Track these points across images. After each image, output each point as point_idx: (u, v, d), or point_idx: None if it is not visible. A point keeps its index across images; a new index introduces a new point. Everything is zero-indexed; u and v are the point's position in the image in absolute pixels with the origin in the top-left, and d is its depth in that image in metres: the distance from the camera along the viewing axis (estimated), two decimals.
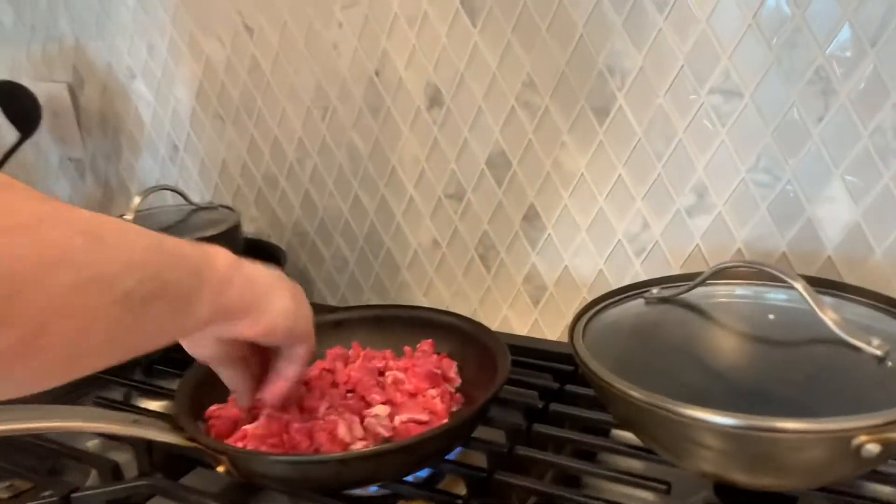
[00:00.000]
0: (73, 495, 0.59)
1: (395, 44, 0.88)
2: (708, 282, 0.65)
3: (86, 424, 0.53)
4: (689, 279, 0.66)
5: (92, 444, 0.76)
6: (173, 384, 0.82)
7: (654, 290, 0.66)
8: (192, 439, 0.56)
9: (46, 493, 0.60)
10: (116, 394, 0.82)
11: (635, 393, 0.52)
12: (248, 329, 0.52)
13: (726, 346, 0.63)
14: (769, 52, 0.69)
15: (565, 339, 0.86)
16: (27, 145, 1.24)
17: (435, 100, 0.88)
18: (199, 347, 0.56)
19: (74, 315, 0.35)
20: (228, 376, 0.58)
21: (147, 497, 0.63)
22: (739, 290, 0.67)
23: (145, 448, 0.66)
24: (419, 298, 0.97)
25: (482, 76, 0.84)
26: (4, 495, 0.68)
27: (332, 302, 1.05)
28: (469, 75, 0.84)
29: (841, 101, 0.67)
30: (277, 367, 0.57)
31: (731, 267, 0.61)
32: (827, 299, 0.60)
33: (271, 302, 0.53)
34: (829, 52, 0.67)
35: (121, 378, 0.82)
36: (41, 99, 1.14)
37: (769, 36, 0.69)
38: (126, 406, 0.77)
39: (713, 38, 0.71)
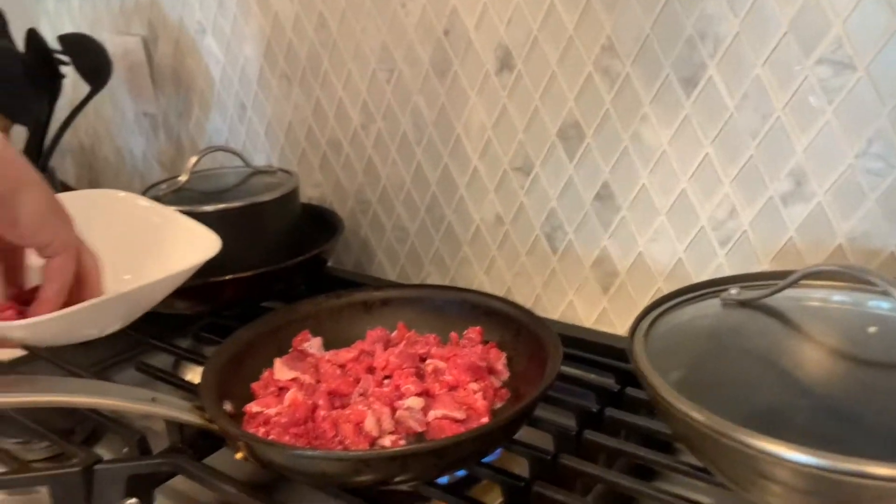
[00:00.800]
0: (96, 467, 0.57)
1: (465, 1, 0.81)
2: (799, 283, 0.56)
3: (103, 401, 0.50)
4: (777, 278, 0.58)
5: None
6: None
7: (734, 290, 0.58)
8: (210, 421, 0.52)
9: (72, 462, 0.59)
10: (162, 360, 0.80)
11: (697, 415, 0.44)
12: None
13: (815, 360, 0.55)
14: (892, 18, 0.59)
15: None
16: (105, 98, 1.25)
17: (505, 63, 0.80)
18: None
19: None
20: None
21: (169, 475, 0.60)
22: (837, 296, 0.58)
23: (177, 423, 0.63)
24: (480, 276, 0.91)
25: (557, 38, 0.76)
26: (42, 456, 0.68)
27: (391, 275, 1.00)
28: (543, 36, 0.77)
29: None
30: (41, 287, 0.52)
31: (825, 271, 0.52)
32: None
33: (18, 197, 0.48)
34: None
35: (168, 345, 0.80)
36: (117, 52, 1.14)
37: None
38: (168, 375, 0.74)
39: (824, 1, 0.61)
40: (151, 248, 0.66)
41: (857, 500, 0.41)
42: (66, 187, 1.17)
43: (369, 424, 0.54)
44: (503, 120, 0.83)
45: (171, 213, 0.70)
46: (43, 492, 0.62)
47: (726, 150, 0.69)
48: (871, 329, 0.56)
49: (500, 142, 0.84)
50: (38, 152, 1.02)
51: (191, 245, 0.64)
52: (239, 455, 0.52)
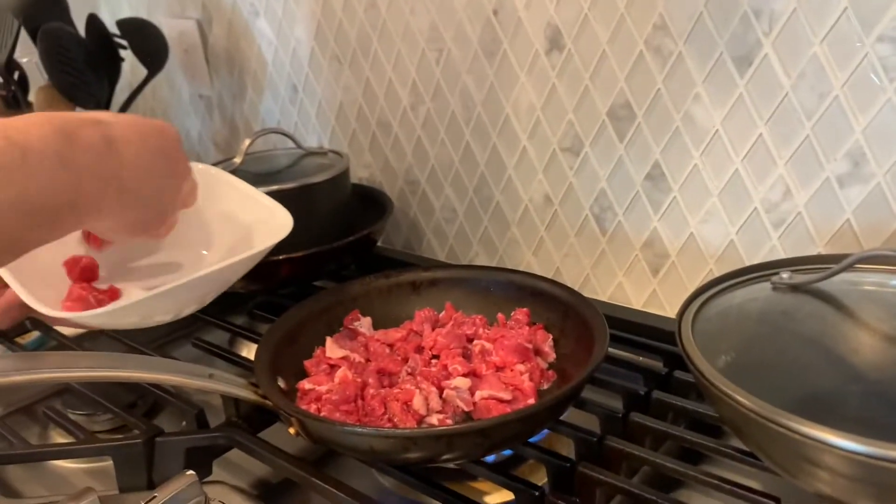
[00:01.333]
0: (157, 439, 0.60)
1: None
2: (855, 267, 0.55)
3: (163, 377, 0.53)
4: (834, 261, 0.56)
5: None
6: None
7: (785, 274, 0.57)
8: (264, 397, 0.54)
9: (134, 434, 0.61)
10: (217, 337, 0.83)
11: (744, 399, 0.44)
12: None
13: (868, 345, 0.54)
14: None
15: None
16: (162, 81, 1.28)
17: (555, 42, 0.80)
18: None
19: None
20: None
21: (226, 448, 0.62)
22: (894, 281, 0.57)
23: (233, 398, 0.66)
24: (528, 257, 0.92)
25: (608, 17, 0.75)
26: (104, 427, 0.71)
27: (440, 255, 1.01)
28: (594, 15, 0.76)
29: None
30: None
31: (881, 255, 0.51)
32: None
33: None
34: None
35: (223, 321, 0.83)
36: (173, 35, 1.16)
37: None
38: (222, 351, 0.77)
39: None
40: (229, 224, 0.66)
41: None
42: None
43: (417, 403, 0.55)
44: (553, 100, 0.82)
45: (249, 189, 0.69)
46: (108, 463, 0.66)
47: (781, 131, 0.68)
48: None
49: (550, 122, 0.83)
50: None
51: (266, 223, 0.64)
52: (292, 430, 0.54)
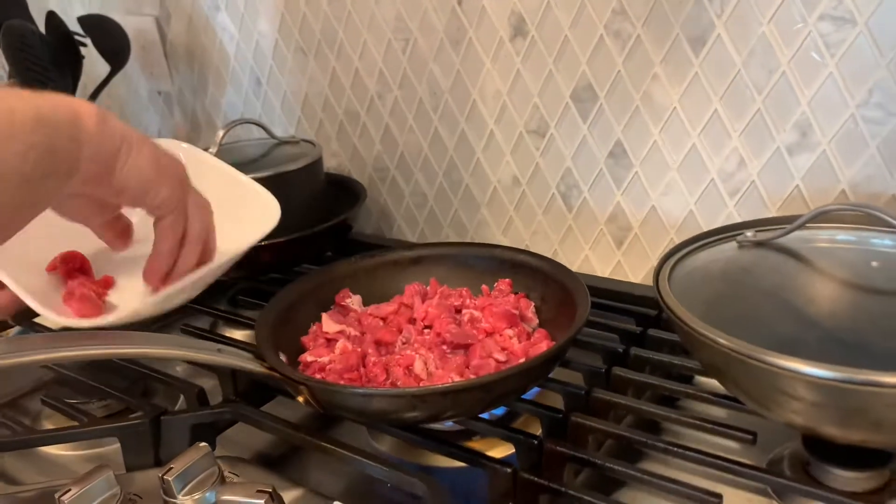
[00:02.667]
0: (163, 417, 0.62)
1: None
2: (808, 226, 0.61)
3: (173, 352, 0.55)
4: (788, 222, 0.62)
5: (181, 370, 0.79)
6: (256, 314, 0.85)
7: (749, 233, 0.62)
8: (273, 369, 0.57)
9: (138, 414, 0.63)
10: (202, 322, 0.85)
11: (723, 340, 0.49)
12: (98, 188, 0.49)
13: (824, 293, 0.60)
14: None
15: (649, 282, 0.84)
16: (118, 78, 1.27)
17: (519, 29, 0.84)
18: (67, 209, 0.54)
19: None
20: (98, 231, 0.58)
21: (230, 423, 0.65)
22: (841, 236, 0.63)
23: (230, 376, 0.68)
24: (498, 236, 0.96)
25: (570, 3, 0.79)
26: (101, 413, 0.72)
27: (411, 238, 1.04)
28: (556, 2, 0.80)
29: None
30: (153, 243, 0.55)
31: (834, 210, 0.56)
32: None
33: (124, 161, 0.48)
34: None
35: (207, 307, 0.85)
36: (130, 32, 1.16)
37: None
38: (211, 334, 0.79)
39: None
40: (222, 211, 0.64)
41: (870, 410, 0.46)
42: None
43: (418, 367, 0.58)
44: (518, 85, 0.86)
45: (238, 175, 0.69)
46: (105, 448, 0.67)
47: (734, 105, 0.74)
48: (875, 264, 0.60)
49: (516, 106, 0.88)
50: None
51: (257, 210, 0.65)
52: (300, 398, 0.57)
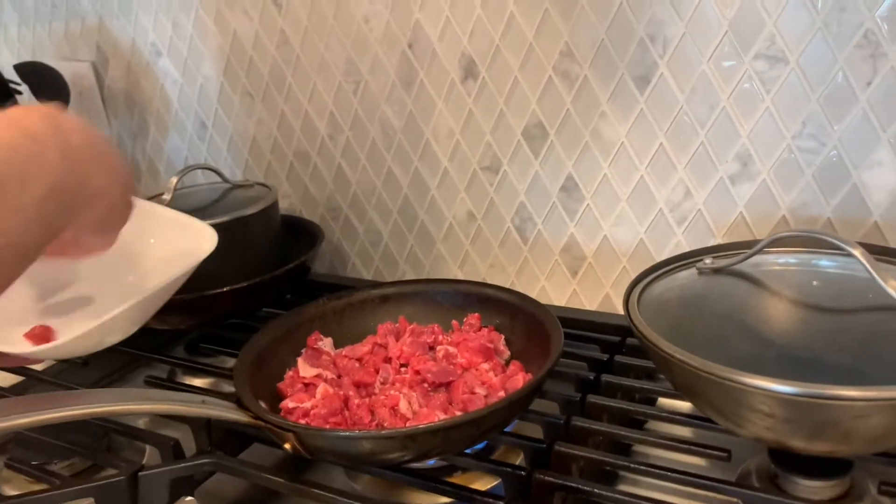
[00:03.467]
0: (140, 473, 0.60)
1: (428, 15, 0.87)
2: (762, 251, 0.65)
3: (157, 407, 0.54)
4: (746, 247, 0.66)
5: (143, 423, 0.77)
6: (216, 360, 0.84)
7: (708, 260, 0.66)
8: (258, 418, 0.56)
9: (112, 473, 0.61)
10: (160, 371, 0.83)
11: (698, 363, 0.52)
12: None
13: (777, 314, 0.64)
14: (816, 16, 0.68)
15: (604, 309, 0.87)
16: None
17: (470, 71, 0.87)
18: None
19: None
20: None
21: (209, 474, 0.64)
22: (788, 259, 0.67)
23: (204, 426, 0.67)
24: (454, 271, 0.98)
25: (518, 46, 0.83)
26: (67, 473, 0.70)
27: (366, 275, 1.05)
28: (505, 45, 0.84)
29: (891, 65, 0.67)
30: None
31: (790, 236, 0.61)
32: (882, 265, 0.60)
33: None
34: (878, 14, 0.66)
35: (164, 356, 0.83)
36: (66, 78, 1.14)
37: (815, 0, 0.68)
38: (173, 384, 0.77)
39: (758, 4, 0.70)
40: (150, 247, 0.66)
41: (839, 422, 0.49)
42: None
43: (403, 406, 0.59)
44: (470, 124, 0.89)
45: (164, 210, 0.70)
46: None
47: (679, 139, 0.78)
48: (815, 283, 0.65)
49: (469, 144, 0.90)
50: None
51: (188, 241, 0.65)
52: (287, 445, 0.56)
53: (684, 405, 0.68)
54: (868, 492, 0.58)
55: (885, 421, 0.49)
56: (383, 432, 0.55)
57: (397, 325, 0.73)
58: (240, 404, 0.58)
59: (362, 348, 0.69)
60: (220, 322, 0.88)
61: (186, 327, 0.87)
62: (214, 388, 0.81)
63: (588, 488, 0.54)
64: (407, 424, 0.58)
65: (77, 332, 0.54)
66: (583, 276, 0.90)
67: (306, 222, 1.00)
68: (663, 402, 0.71)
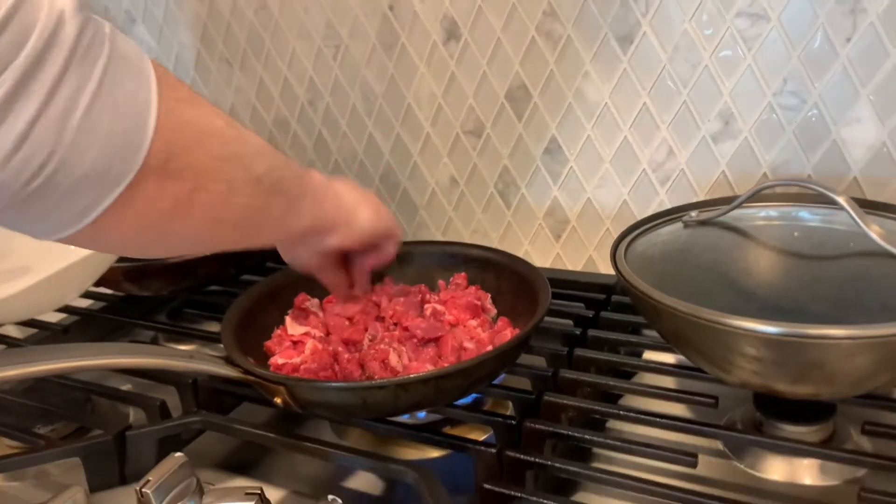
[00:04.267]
0: (128, 433, 0.60)
1: None
2: (743, 204, 0.66)
3: (146, 360, 0.53)
4: (727, 203, 0.67)
5: (126, 387, 0.76)
6: (200, 326, 0.83)
7: (693, 213, 0.67)
8: (248, 372, 0.56)
9: (98, 433, 0.61)
10: (143, 338, 0.82)
11: (684, 309, 0.53)
12: (342, 241, 0.58)
13: (759, 265, 0.65)
14: None
15: (588, 270, 0.87)
16: None
17: (452, 33, 0.86)
18: (300, 258, 0.62)
19: (221, 181, 0.42)
20: (328, 280, 0.66)
21: (198, 433, 0.63)
22: (770, 212, 0.68)
23: (191, 387, 0.66)
24: (437, 237, 0.98)
25: (501, 6, 0.82)
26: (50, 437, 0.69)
27: None
28: (487, 6, 0.83)
29: (869, 20, 0.68)
30: (364, 261, 0.65)
31: (777, 184, 0.61)
32: (864, 214, 0.61)
33: (357, 215, 0.59)
34: None
35: (147, 321, 0.82)
36: None
37: None
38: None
39: None
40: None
41: (826, 363, 0.50)
42: None
43: (393, 360, 0.59)
44: (453, 87, 0.89)
45: None
46: (52, 476, 0.64)
47: (662, 99, 0.79)
48: (796, 234, 0.66)
49: (451, 108, 0.90)
50: None
51: None
52: (278, 399, 0.56)
53: (669, 358, 0.69)
54: (850, 436, 0.60)
55: (869, 360, 0.50)
56: (375, 382, 0.55)
57: (384, 285, 0.72)
58: (228, 361, 0.58)
59: (354, 307, 0.68)
60: (200, 288, 0.87)
61: (168, 293, 0.86)
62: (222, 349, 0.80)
63: (578, 434, 0.55)
64: (397, 376, 0.58)
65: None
66: (566, 240, 0.90)
67: None
68: (649, 355, 0.72)
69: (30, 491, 0.64)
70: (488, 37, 0.85)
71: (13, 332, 0.82)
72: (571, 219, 0.89)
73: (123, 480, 0.60)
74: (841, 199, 0.56)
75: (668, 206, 0.82)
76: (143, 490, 0.51)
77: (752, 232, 0.67)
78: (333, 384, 0.54)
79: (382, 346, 0.60)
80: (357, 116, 0.96)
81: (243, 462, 0.65)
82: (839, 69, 0.70)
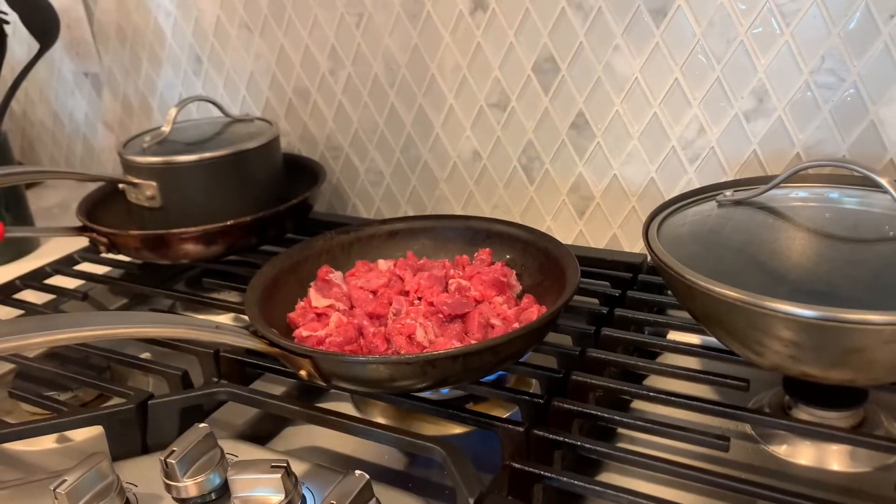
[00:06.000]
0: (150, 402, 0.59)
1: None
2: (780, 185, 0.64)
3: (171, 331, 0.52)
4: (759, 183, 0.65)
5: (144, 355, 0.76)
6: (218, 294, 0.82)
7: (728, 193, 0.65)
8: (274, 344, 0.55)
9: (121, 401, 0.60)
10: (162, 306, 0.82)
11: (719, 289, 0.51)
12: None
13: (792, 247, 0.63)
14: None
15: (612, 248, 0.86)
16: (40, 60, 1.20)
17: (479, 3, 0.84)
18: None
19: None
20: None
21: (220, 403, 0.63)
22: (803, 193, 0.67)
23: (212, 358, 0.66)
24: (457, 211, 0.96)
25: None
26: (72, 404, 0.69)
27: (367, 216, 1.04)
28: None
29: None
30: None
31: (815, 166, 0.60)
32: None
33: None
34: None
35: (166, 290, 0.82)
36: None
37: None
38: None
39: None
40: None
41: (867, 349, 0.49)
42: None
43: (420, 335, 0.58)
44: (478, 58, 0.87)
45: None
46: (76, 442, 0.64)
47: (694, 75, 0.77)
48: (829, 216, 0.65)
49: (476, 79, 0.88)
50: None
51: None
52: (303, 372, 0.55)
53: (695, 339, 0.68)
54: (881, 423, 0.59)
55: None
56: (403, 357, 0.54)
57: (407, 259, 0.71)
58: (253, 332, 0.57)
59: (378, 280, 0.67)
60: (220, 258, 0.86)
61: (189, 261, 0.85)
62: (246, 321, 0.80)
63: (607, 415, 0.54)
64: (424, 352, 0.58)
65: None
66: (590, 217, 0.89)
67: (307, 160, 0.98)
68: (674, 336, 0.71)
69: (51, 458, 0.64)
70: (517, 7, 0.83)
71: (31, 297, 0.82)
72: (596, 195, 0.87)
73: (145, 449, 0.60)
74: (884, 181, 0.55)
75: (696, 184, 0.81)
76: (168, 460, 0.51)
77: (785, 213, 0.65)
78: (361, 358, 0.53)
79: (409, 320, 0.59)
80: (379, 86, 0.95)
81: (262, 434, 0.64)
82: (880, 46, 0.68)
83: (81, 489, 0.49)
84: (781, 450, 0.58)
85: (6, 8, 0.98)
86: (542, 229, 0.90)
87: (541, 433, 0.52)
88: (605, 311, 0.68)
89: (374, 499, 0.47)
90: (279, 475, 0.48)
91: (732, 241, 0.65)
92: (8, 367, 0.72)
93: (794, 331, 0.50)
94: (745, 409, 0.57)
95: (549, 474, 0.49)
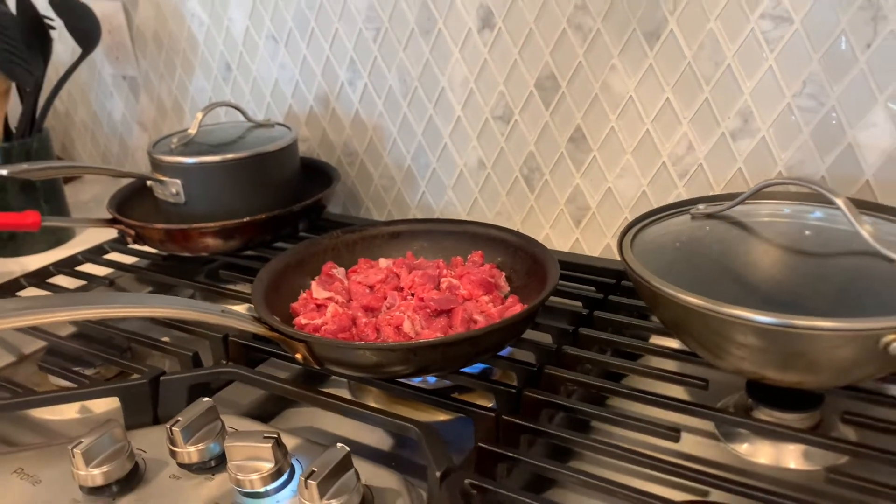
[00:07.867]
0: (162, 378, 0.65)
1: None
2: (749, 201, 0.68)
3: (179, 312, 0.58)
4: (734, 198, 0.69)
5: (164, 338, 0.82)
6: (234, 286, 0.88)
7: (701, 206, 0.69)
8: (273, 329, 0.61)
9: (135, 377, 0.66)
10: (184, 294, 0.88)
11: (686, 296, 0.56)
12: None
13: (764, 260, 0.67)
14: None
15: (606, 256, 0.91)
16: (82, 63, 1.29)
17: (487, 21, 0.90)
18: None
19: None
20: None
21: (226, 383, 0.69)
22: (779, 209, 0.71)
23: (221, 341, 0.72)
24: (463, 217, 1.01)
25: None
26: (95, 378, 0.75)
27: (379, 219, 1.09)
28: None
29: (890, 28, 0.69)
30: None
31: (774, 184, 0.64)
32: (865, 217, 0.63)
33: None
34: None
35: (187, 280, 0.88)
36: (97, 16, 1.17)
37: None
38: None
39: None
40: None
41: (809, 352, 0.53)
42: None
43: (407, 326, 0.63)
44: (485, 73, 0.92)
45: None
46: (98, 413, 0.70)
47: (684, 95, 0.81)
48: (807, 232, 0.68)
49: (482, 93, 0.94)
50: (32, 114, 1.06)
51: None
52: (298, 355, 0.61)
53: (673, 343, 0.72)
54: (836, 425, 0.62)
55: (852, 352, 0.53)
56: (388, 344, 0.59)
57: (406, 259, 0.77)
58: (257, 318, 0.63)
59: (376, 276, 0.73)
60: (238, 252, 0.92)
61: (209, 254, 0.91)
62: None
63: (574, 406, 0.59)
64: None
65: None
66: (586, 226, 0.93)
67: (323, 164, 1.04)
68: (655, 340, 0.75)
69: (73, 426, 0.70)
70: (521, 27, 0.88)
71: (64, 282, 0.89)
72: (592, 206, 0.92)
73: (156, 421, 0.66)
74: (839, 201, 0.59)
75: (685, 198, 0.85)
76: (173, 428, 0.57)
77: (760, 228, 0.69)
78: (350, 344, 0.59)
79: (398, 313, 0.65)
80: (393, 97, 1.01)
81: (265, 413, 0.70)
82: (858, 74, 0.72)
83: (96, 450, 0.56)
84: (742, 448, 0.62)
85: (52, 14, 1.06)
86: (541, 236, 0.96)
87: (509, 419, 0.57)
88: (585, 313, 0.72)
89: (352, 469, 0.52)
90: (270, 444, 0.54)
91: (710, 252, 0.69)
92: (39, 343, 0.79)
93: (748, 335, 0.55)
94: (709, 409, 0.61)
95: (512, 454, 0.54)
